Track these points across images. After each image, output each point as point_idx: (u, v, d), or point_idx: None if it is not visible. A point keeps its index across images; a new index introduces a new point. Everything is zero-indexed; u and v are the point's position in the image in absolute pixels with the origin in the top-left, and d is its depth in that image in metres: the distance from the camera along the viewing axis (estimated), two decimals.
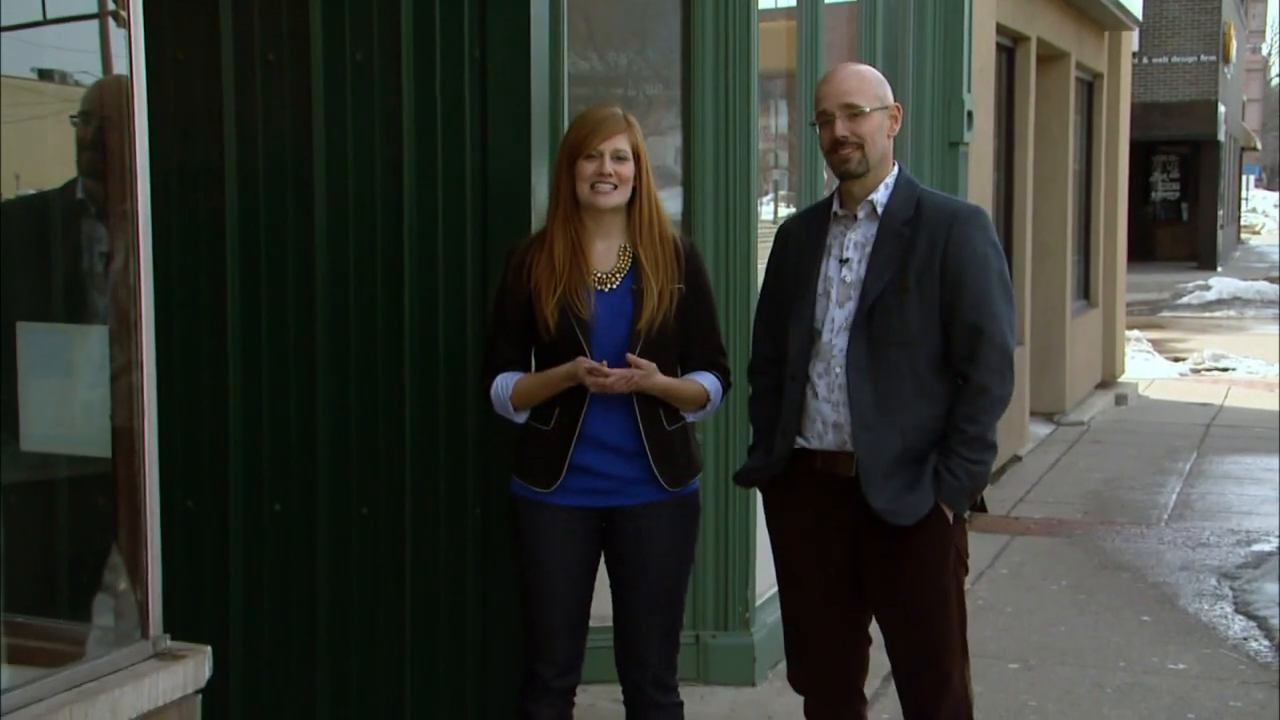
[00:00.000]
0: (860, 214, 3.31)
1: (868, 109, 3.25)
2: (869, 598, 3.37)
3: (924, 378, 3.23)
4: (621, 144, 3.35)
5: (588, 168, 3.34)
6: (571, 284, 3.34)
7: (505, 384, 3.43)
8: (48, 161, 3.22)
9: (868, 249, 3.27)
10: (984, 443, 3.23)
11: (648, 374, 3.29)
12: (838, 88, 3.28)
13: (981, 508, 3.41)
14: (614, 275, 3.40)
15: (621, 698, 3.56)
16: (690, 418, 3.49)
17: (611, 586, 3.51)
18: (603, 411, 3.35)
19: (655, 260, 3.38)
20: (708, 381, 3.47)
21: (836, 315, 3.27)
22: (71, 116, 3.10)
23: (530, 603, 3.46)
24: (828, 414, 3.27)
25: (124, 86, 2.84)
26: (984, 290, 3.21)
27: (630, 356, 3.28)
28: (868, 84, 3.29)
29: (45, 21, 3.03)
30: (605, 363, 3.28)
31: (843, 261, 3.30)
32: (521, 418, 3.44)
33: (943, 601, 3.28)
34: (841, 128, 3.26)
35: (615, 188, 3.35)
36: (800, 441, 3.32)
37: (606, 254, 3.41)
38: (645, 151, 3.41)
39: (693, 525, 3.51)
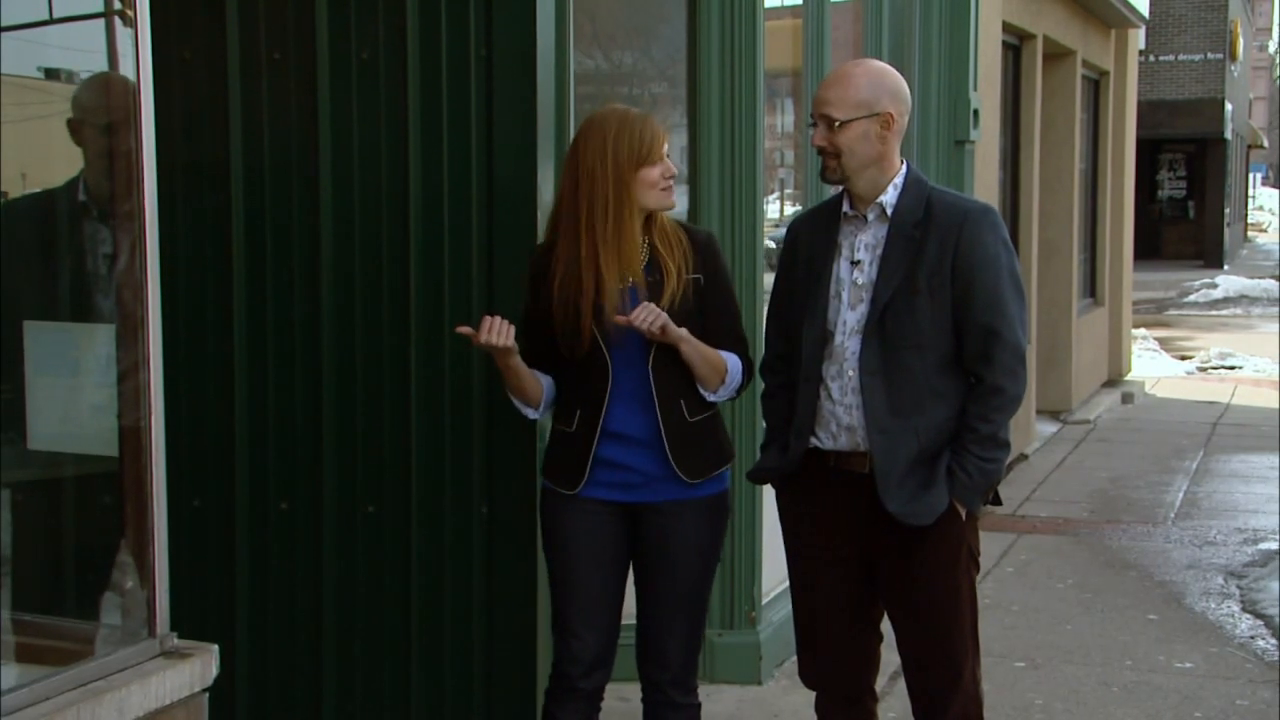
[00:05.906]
0: (870, 215, 3.29)
1: (844, 119, 3.20)
2: (881, 594, 3.37)
3: (936, 378, 3.22)
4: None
5: (654, 173, 3.31)
6: (606, 297, 3.29)
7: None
8: (54, 161, 3.22)
9: (879, 251, 3.26)
10: (997, 441, 3.22)
11: (657, 316, 3.23)
12: (821, 94, 3.26)
13: (996, 501, 3.41)
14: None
15: (629, 696, 3.56)
16: (711, 397, 3.40)
17: (635, 585, 3.49)
18: (624, 406, 3.34)
19: (670, 246, 3.37)
20: (728, 354, 3.41)
21: (849, 317, 3.26)
22: (68, 120, 3.11)
23: (557, 598, 3.45)
24: (841, 416, 3.26)
25: (127, 86, 2.84)
26: (996, 291, 3.20)
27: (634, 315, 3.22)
28: (851, 91, 3.22)
29: (51, 21, 3.03)
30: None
31: (854, 263, 3.28)
32: (531, 413, 3.45)
33: (955, 598, 3.29)
34: (818, 136, 3.25)
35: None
36: (814, 441, 3.31)
37: None
38: None
39: (720, 526, 3.47)
